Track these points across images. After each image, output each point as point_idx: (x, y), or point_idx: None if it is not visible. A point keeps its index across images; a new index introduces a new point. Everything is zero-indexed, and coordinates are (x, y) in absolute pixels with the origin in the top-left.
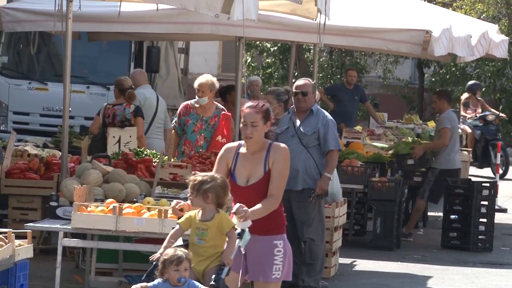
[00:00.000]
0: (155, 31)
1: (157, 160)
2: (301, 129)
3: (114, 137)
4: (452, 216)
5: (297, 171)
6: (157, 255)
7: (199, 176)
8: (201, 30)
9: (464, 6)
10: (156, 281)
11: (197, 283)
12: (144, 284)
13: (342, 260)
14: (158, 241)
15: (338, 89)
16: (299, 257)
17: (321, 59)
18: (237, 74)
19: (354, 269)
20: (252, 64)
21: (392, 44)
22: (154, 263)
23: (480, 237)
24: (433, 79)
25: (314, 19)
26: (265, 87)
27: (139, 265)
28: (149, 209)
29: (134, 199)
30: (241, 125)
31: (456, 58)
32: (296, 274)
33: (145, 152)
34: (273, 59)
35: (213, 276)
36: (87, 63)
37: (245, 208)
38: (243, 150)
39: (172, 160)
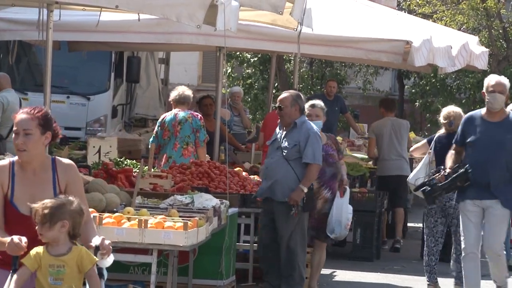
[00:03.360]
0: (134, 41)
1: (137, 170)
2: (283, 142)
3: (94, 147)
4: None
5: (276, 182)
6: None
7: (49, 202)
8: (181, 40)
9: (445, 18)
10: None
11: None
12: None
13: (323, 271)
14: (138, 251)
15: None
16: (277, 270)
17: (301, 70)
18: (218, 84)
19: (334, 279)
20: (233, 75)
21: (373, 54)
22: None
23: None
24: (413, 90)
25: (295, 29)
26: (245, 97)
27: (118, 275)
28: (129, 219)
29: (114, 209)
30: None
31: (438, 69)
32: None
33: (125, 162)
34: (253, 70)
35: None
36: (67, 73)
37: (107, 240)
38: (18, 168)
39: (152, 170)
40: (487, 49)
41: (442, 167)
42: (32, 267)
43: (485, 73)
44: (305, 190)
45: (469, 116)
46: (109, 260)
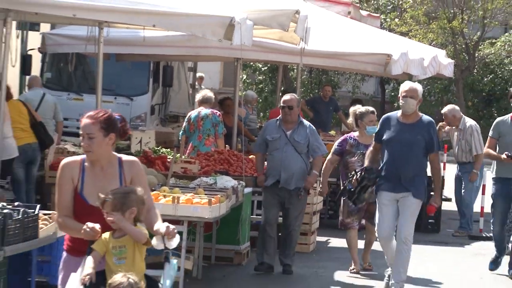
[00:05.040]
0: (169, 53)
1: (171, 157)
2: (294, 138)
3: (136, 138)
4: None
5: (292, 173)
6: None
7: (118, 193)
8: (206, 53)
9: (418, 35)
10: None
11: None
12: None
13: (319, 239)
14: (172, 222)
15: (316, 101)
16: (275, 245)
17: (302, 77)
18: (235, 88)
19: (328, 245)
20: (247, 81)
21: (360, 65)
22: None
23: (430, 221)
24: (392, 94)
25: (297, 45)
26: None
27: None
28: (164, 196)
29: (153, 188)
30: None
31: (412, 77)
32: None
33: (161, 151)
34: (263, 77)
35: None
36: (114, 78)
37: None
38: (87, 164)
39: (183, 157)
40: (453, 61)
41: (356, 170)
42: (101, 251)
43: (450, 80)
44: (318, 176)
45: (386, 116)
46: (175, 241)
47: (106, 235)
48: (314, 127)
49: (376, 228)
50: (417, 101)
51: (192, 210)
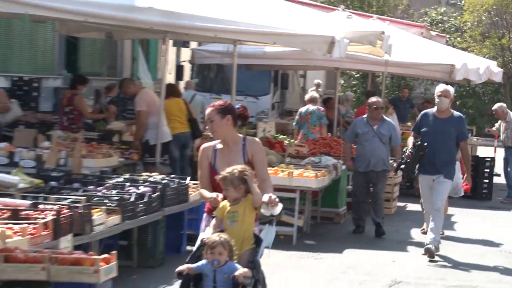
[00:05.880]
0: (285, 64)
1: (287, 142)
2: (381, 132)
3: (260, 127)
4: None
5: (379, 159)
6: (204, 239)
7: (232, 172)
8: (314, 63)
9: (475, 50)
10: (200, 263)
11: (236, 265)
12: (188, 265)
13: (399, 204)
14: (288, 190)
15: (396, 100)
16: (365, 213)
17: (386, 82)
18: (335, 90)
19: (406, 209)
20: (344, 85)
21: (431, 73)
22: (197, 246)
23: (484, 191)
24: (455, 94)
25: (382, 57)
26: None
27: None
28: (282, 171)
29: (273, 165)
30: None
31: (470, 82)
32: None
33: (279, 137)
34: (356, 82)
35: (250, 258)
36: (245, 83)
37: (274, 196)
38: (219, 146)
39: (295, 142)
40: (502, 69)
41: (406, 148)
42: (220, 216)
43: (500, 84)
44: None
45: (424, 112)
46: (277, 209)
47: (224, 203)
48: (393, 124)
49: (421, 201)
50: (449, 99)
51: (303, 181)
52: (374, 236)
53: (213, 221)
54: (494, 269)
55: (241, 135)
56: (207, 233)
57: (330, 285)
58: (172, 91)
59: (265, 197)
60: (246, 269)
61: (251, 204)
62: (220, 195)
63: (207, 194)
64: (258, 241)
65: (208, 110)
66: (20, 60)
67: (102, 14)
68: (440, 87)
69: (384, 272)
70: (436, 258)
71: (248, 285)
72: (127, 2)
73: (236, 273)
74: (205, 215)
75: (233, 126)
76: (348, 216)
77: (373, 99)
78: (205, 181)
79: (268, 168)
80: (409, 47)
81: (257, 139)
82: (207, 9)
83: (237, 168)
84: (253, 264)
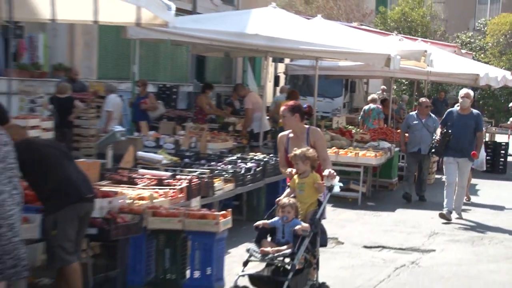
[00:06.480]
0: (353, 74)
1: (354, 131)
2: (428, 124)
3: (335, 121)
4: (488, 158)
5: (427, 144)
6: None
7: (299, 151)
8: (374, 74)
9: (494, 64)
10: (273, 219)
11: (300, 221)
12: (263, 221)
13: (436, 176)
14: (354, 166)
15: (435, 100)
16: (413, 183)
17: (427, 87)
18: (390, 93)
19: (441, 180)
20: (396, 90)
21: (461, 80)
22: (273, 207)
23: (500, 167)
24: (478, 96)
25: (425, 69)
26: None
27: (346, 176)
28: (350, 152)
29: (344, 148)
30: None
31: (490, 87)
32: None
33: (348, 127)
34: (405, 87)
35: (311, 217)
36: (324, 88)
37: (332, 171)
38: (291, 135)
39: (360, 131)
40: None
41: (435, 136)
42: (292, 186)
43: None
44: None
45: (450, 110)
46: (335, 181)
47: (296, 177)
48: (436, 119)
49: (445, 178)
50: (470, 100)
51: (366, 160)
52: (418, 200)
53: (287, 190)
54: (509, 225)
55: (306, 126)
56: (282, 196)
57: (386, 235)
58: (293, 95)
59: (326, 172)
60: (306, 225)
61: (314, 179)
62: (294, 171)
63: (284, 170)
64: (319, 204)
65: (282, 109)
66: (164, 73)
67: (222, 39)
68: (463, 91)
69: (425, 225)
70: (464, 216)
71: (307, 237)
72: (240, 30)
73: (296, 227)
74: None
75: (300, 120)
76: (399, 185)
77: (423, 99)
78: (282, 160)
79: (340, 150)
80: (445, 61)
81: (318, 129)
82: (297, 35)
83: (303, 148)
84: (312, 221)
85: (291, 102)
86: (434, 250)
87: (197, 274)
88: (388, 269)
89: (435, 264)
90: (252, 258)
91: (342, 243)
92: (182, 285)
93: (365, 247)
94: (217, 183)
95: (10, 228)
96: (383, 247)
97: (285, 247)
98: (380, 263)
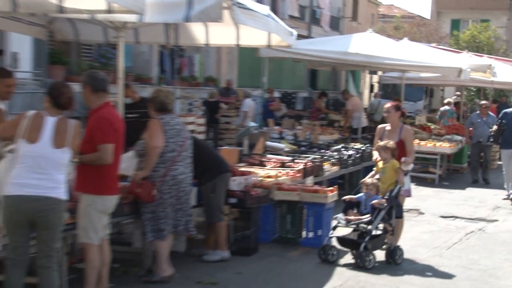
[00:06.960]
0: (429, 83)
1: (432, 127)
2: (488, 121)
3: (417, 119)
4: None
5: (487, 136)
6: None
7: (383, 143)
8: (448, 82)
9: None
10: (359, 195)
11: (379, 197)
12: (350, 196)
13: (499, 162)
14: (432, 154)
15: (498, 104)
16: (478, 168)
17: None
18: (461, 97)
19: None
20: (466, 95)
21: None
22: (359, 186)
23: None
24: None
25: (490, 78)
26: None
27: None
28: (430, 143)
29: (424, 140)
30: None
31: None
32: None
33: (428, 124)
34: (474, 93)
35: (388, 194)
36: (409, 94)
37: (408, 158)
38: (388, 127)
39: (438, 127)
40: None
41: (491, 128)
42: (377, 169)
43: None
44: None
45: (505, 111)
46: (410, 167)
47: (380, 162)
48: (495, 117)
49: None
50: None
51: (442, 149)
52: (483, 182)
53: (372, 172)
54: None
55: (401, 124)
56: (366, 177)
57: (458, 207)
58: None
59: (403, 159)
60: (383, 200)
61: (393, 164)
62: (379, 158)
63: (374, 156)
64: (396, 184)
65: (387, 105)
66: (286, 82)
67: (330, 57)
68: None
69: (490, 201)
70: None
71: (383, 209)
72: (344, 50)
73: (374, 201)
74: None
75: (399, 117)
76: (467, 169)
77: (482, 102)
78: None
79: (421, 141)
80: (506, 73)
81: (409, 127)
82: (388, 53)
83: (388, 141)
84: (388, 197)
85: (395, 102)
86: (497, 220)
87: (310, 234)
88: (459, 234)
89: (498, 231)
90: (338, 224)
91: (423, 214)
92: (299, 243)
93: (441, 216)
94: (326, 166)
95: (187, 197)
96: (456, 217)
97: (365, 216)
98: (453, 229)
